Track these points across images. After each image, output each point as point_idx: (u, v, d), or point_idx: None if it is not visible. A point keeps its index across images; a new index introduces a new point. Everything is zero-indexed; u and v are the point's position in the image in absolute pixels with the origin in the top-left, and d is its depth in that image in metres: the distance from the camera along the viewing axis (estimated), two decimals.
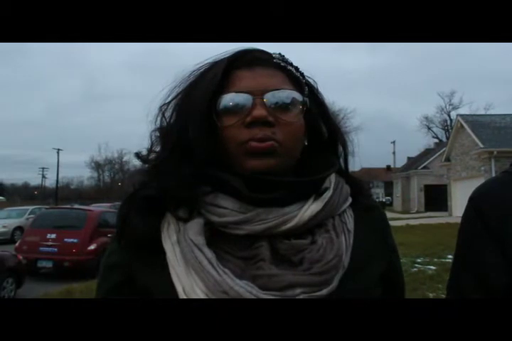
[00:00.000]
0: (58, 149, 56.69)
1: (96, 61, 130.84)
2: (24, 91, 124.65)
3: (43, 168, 70.89)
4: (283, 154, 0.77)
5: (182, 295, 0.72)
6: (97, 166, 78.36)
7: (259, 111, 0.76)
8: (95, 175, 79.51)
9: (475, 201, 0.91)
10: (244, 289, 0.69)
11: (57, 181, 57.31)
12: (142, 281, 0.79)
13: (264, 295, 0.69)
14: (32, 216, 16.02)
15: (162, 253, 0.77)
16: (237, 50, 0.83)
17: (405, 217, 24.77)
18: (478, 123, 23.59)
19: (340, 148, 0.88)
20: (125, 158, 75.43)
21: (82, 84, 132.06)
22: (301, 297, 0.70)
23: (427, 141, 55.58)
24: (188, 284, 0.72)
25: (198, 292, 0.71)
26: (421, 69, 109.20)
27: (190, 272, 0.73)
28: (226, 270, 0.71)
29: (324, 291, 0.72)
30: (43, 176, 71.10)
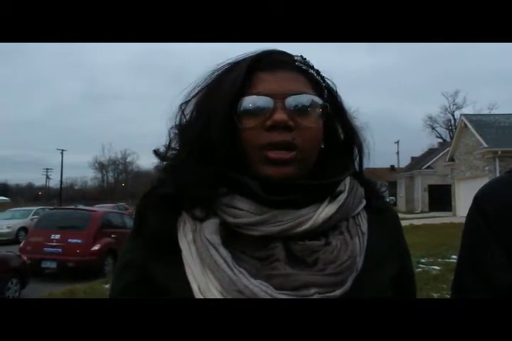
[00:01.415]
0: (62, 150, 56.93)
1: (98, 61, 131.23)
2: (27, 92, 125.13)
3: (47, 169, 71.25)
4: (301, 162, 0.78)
5: (197, 294, 0.72)
6: (101, 167, 78.64)
7: (280, 115, 0.76)
8: (99, 175, 79.90)
9: (479, 201, 0.90)
10: (259, 288, 0.70)
11: (61, 182, 57.56)
12: (158, 280, 0.79)
13: (279, 294, 0.70)
14: (36, 216, 16.09)
15: (178, 251, 0.77)
16: (259, 51, 0.83)
17: (409, 217, 24.70)
18: (482, 122, 23.54)
19: (356, 151, 0.89)
20: (129, 159, 75.85)
21: (84, 85, 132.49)
22: (315, 297, 0.71)
23: (430, 141, 55.60)
24: (203, 283, 0.73)
25: (213, 291, 0.71)
26: (424, 68, 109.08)
27: (205, 271, 0.73)
28: (241, 269, 0.72)
29: (338, 292, 0.73)
30: (47, 177, 71.45)
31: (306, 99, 0.79)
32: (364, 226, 0.83)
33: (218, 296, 0.70)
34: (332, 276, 0.73)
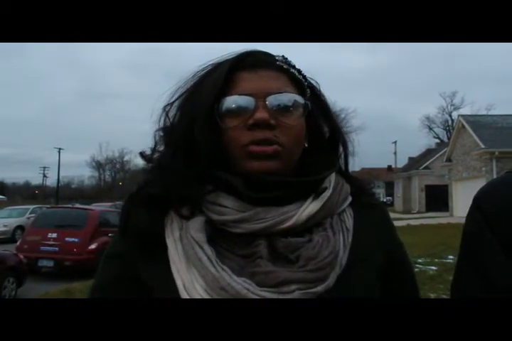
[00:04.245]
0: (59, 148, 56.80)
1: (94, 59, 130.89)
2: (23, 90, 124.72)
3: (44, 167, 71.02)
4: (284, 157, 0.78)
5: (182, 291, 0.73)
6: (98, 165, 78.52)
7: (261, 114, 0.76)
8: (96, 174, 79.74)
9: (479, 201, 0.89)
10: (241, 286, 0.70)
11: (58, 180, 57.42)
12: (143, 274, 0.81)
13: (260, 291, 0.70)
14: (33, 215, 16.04)
15: (164, 248, 0.78)
16: (240, 51, 0.83)
17: (406, 217, 24.71)
18: (480, 123, 23.58)
19: (341, 148, 0.89)
20: (126, 158, 75.70)
21: (81, 83, 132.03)
22: (296, 293, 0.71)
23: (428, 141, 55.64)
24: (188, 280, 0.73)
25: (198, 288, 0.72)
26: (421, 68, 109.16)
27: (190, 268, 0.74)
28: (225, 267, 0.73)
29: (319, 288, 0.73)
30: (44, 175, 71.23)
31: (287, 97, 0.79)
32: (349, 223, 0.83)
33: (202, 293, 0.71)
34: (313, 272, 0.73)
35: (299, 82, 0.84)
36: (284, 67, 0.83)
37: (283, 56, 0.85)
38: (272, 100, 0.78)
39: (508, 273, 0.80)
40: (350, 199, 0.86)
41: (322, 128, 0.88)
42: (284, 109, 0.79)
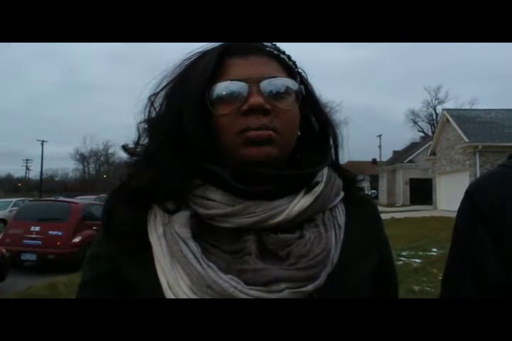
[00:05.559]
0: (43, 141, 56.03)
1: (77, 50, 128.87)
2: (3, 80, 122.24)
3: (27, 160, 70.17)
4: (281, 143, 0.76)
5: (166, 289, 0.71)
6: (82, 158, 77.71)
7: (256, 99, 0.73)
8: (80, 167, 78.94)
9: (472, 194, 0.88)
10: (229, 284, 0.68)
11: (41, 173, 56.77)
12: (127, 274, 0.78)
13: (248, 290, 0.68)
14: (15, 208, 15.83)
15: (148, 245, 0.75)
16: None
17: (390, 211, 24.90)
18: (464, 117, 23.81)
19: (331, 141, 0.87)
20: (111, 150, 74.96)
21: (64, 74, 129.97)
22: (285, 292, 0.69)
23: (412, 135, 56.15)
24: (172, 277, 0.71)
25: (182, 285, 0.69)
26: (407, 63, 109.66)
27: (175, 265, 0.71)
28: (211, 264, 0.70)
29: (310, 287, 0.70)
30: (27, 168, 70.37)
31: (280, 82, 0.77)
32: (341, 219, 0.81)
33: (187, 291, 0.69)
34: (304, 270, 0.71)
35: (289, 68, 0.82)
36: (275, 52, 0.81)
37: (271, 43, 0.83)
38: (265, 85, 0.75)
39: (499, 268, 0.79)
40: (342, 194, 0.84)
41: (311, 118, 0.85)
42: (277, 94, 0.76)
